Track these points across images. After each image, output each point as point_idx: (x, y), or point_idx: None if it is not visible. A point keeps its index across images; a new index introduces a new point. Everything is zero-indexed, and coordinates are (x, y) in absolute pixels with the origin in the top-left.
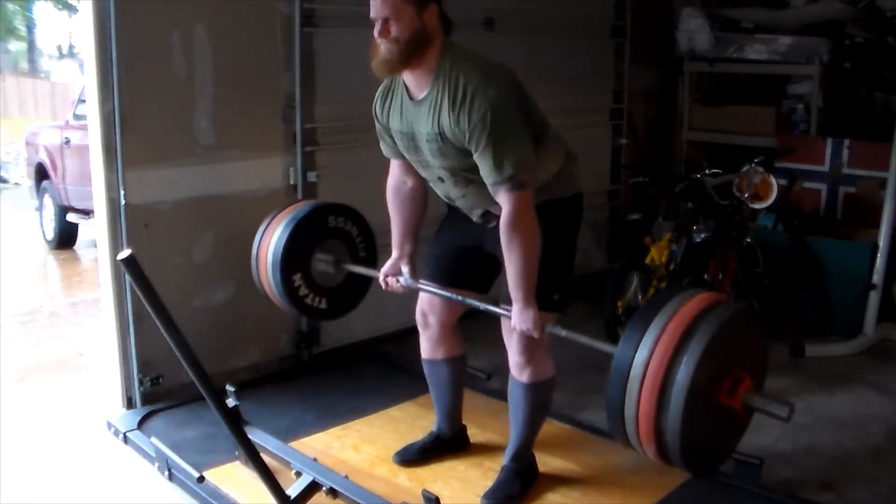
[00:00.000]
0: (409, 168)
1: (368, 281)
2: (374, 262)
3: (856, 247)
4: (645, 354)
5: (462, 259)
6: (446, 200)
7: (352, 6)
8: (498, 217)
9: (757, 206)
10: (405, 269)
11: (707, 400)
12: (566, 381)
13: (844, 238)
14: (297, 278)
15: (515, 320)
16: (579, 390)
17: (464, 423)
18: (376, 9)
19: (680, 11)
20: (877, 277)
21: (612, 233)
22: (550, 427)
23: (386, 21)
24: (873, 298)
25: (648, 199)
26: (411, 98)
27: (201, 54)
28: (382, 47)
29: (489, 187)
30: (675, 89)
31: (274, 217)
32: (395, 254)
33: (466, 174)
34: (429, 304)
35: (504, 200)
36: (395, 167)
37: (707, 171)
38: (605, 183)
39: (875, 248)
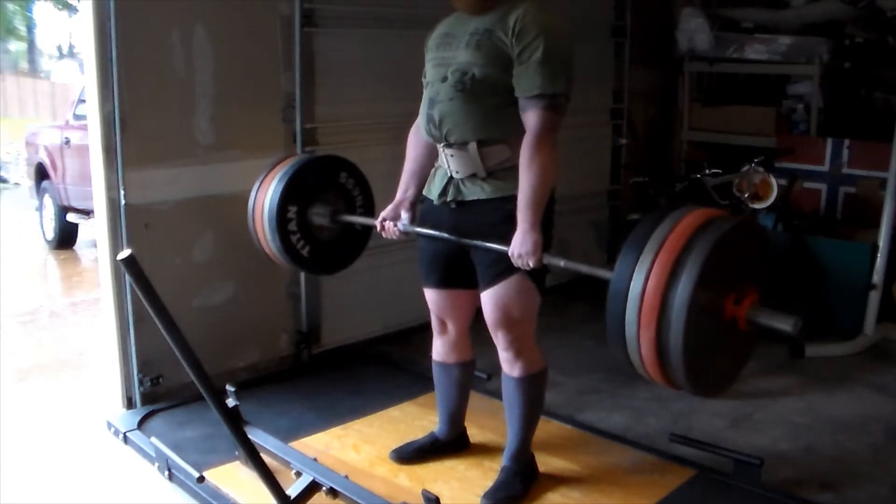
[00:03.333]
0: None
1: (356, 251)
2: (367, 238)
3: (856, 247)
4: (643, 273)
5: (447, 261)
6: (426, 114)
7: (352, 6)
8: (457, 152)
9: (757, 206)
10: (405, 214)
11: (709, 317)
12: (566, 381)
13: (844, 238)
14: (293, 211)
15: (515, 244)
16: (579, 391)
17: (464, 424)
18: None
19: (680, 11)
20: (877, 277)
21: (612, 233)
22: (550, 427)
23: None
24: (873, 298)
25: (648, 199)
26: (472, 14)
27: (201, 54)
28: None
29: (523, 101)
30: (675, 89)
31: (287, 157)
32: (397, 197)
33: (474, 77)
34: (443, 311)
35: (535, 117)
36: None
37: (707, 171)
38: (605, 183)
39: (875, 248)
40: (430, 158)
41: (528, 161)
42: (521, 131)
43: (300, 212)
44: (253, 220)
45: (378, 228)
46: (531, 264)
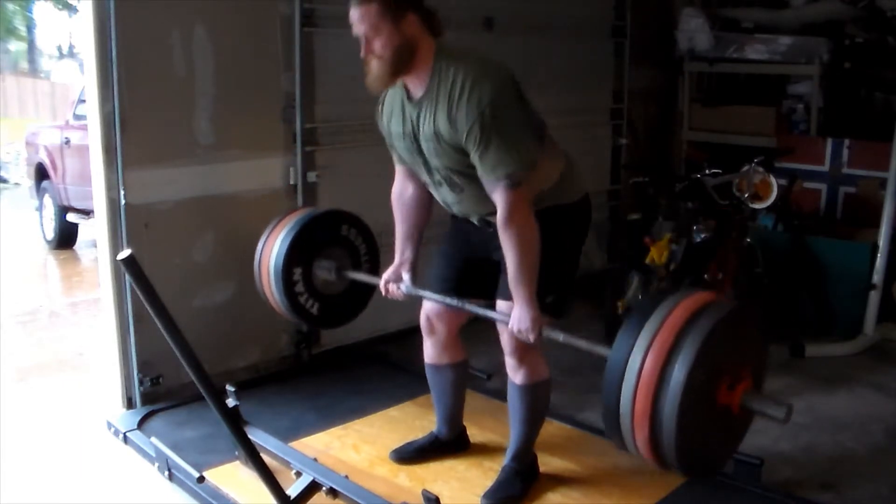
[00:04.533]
0: (411, 174)
1: (364, 300)
2: (372, 290)
3: (856, 247)
4: (640, 355)
5: (465, 269)
6: (445, 207)
7: None
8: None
9: (757, 206)
10: (406, 276)
11: (704, 401)
12: (566, 381)
13: (844, 238)
14: (297, 273)
15: (514, 320)
16: (579, 390)
17: (464, 423)
18: (356, 28)
19: (680, 11)
20: (877, 277)
21: (612, 233)
22: (550, 427)
23: (368, 39)
24: (873, 298)
25: (648, 199)
26: (410, 98)
27: (201, 54)
28: (371, 64)
29: (485, 185)
30: (675, 89)
31: (288, 214)
32: (396, 260)
33: (463, 176)
34: (435, 312)
35: (499, 199)
36: (398, 172)
37: (707, 171)
38: (605, 183)
39: (875, 248)
40: (420, 217)
41: (506, 240)
42: (540, 160)
43: (305, 273)
44: (259, 277)
45: (384, 293)
46: (531, 339)
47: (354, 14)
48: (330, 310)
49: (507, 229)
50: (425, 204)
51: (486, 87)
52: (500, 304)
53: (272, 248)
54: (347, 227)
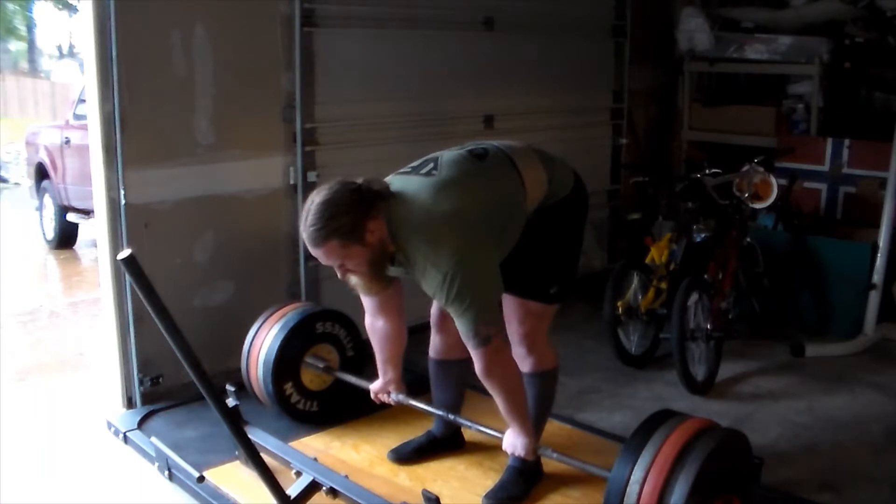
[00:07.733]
0: (378, 308)
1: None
2: (364, 360)
3: (856, 247)
4: (640, 475)
5: None
6: None
7: (352, 6)
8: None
9: (757, 205)
10: (393, 391)
11: None
12: (566, 381)
13: (844, 238)
14: (289, 387)
15: (508, 440)
16: (579, 390)
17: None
18: (325, 262)
19: (680, 11)
20: (877, 277)
21: (612, 233)
22: (550, 427)
23: (340, 265)
24: (873, 298)
25: (648, 199)
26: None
27: (201, 54)
28: (353, 280)
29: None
30: (675, 89)
31: (264, 322)
32: (381, 379)
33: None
34: None
35: (474, 356)
36: (367, 307)
37: (707, 171)
38: (605, 183)
39: (875, 248)
40: (394, 349)
41: (490, 388)
42: (527, 192)
43: (295, 384)
44: (252, 389)
45: (372, 397)
46: (523, 456)
47: (317, 254)
48: (328, 403)
49: (487, 381)
50: (397, 336)
51: (440, 263)
52: (514, 297)
53: (258, 364)
54: (322, 323)
